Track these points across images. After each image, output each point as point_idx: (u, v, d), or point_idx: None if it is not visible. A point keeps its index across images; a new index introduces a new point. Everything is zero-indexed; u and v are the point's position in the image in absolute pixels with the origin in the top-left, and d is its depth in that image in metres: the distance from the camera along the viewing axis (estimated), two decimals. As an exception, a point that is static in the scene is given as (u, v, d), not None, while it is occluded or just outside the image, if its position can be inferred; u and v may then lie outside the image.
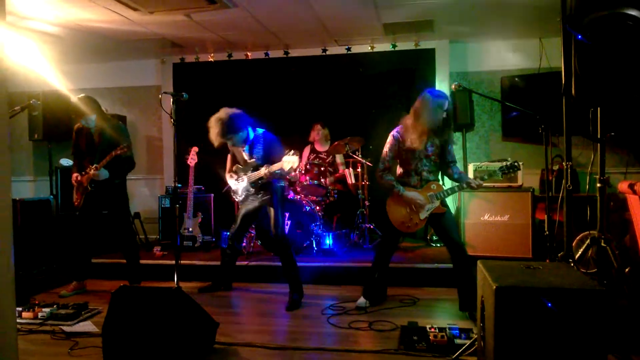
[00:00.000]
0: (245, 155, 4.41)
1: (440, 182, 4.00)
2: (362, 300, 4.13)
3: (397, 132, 3.97)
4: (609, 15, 2.74)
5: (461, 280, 3.82)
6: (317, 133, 6.33)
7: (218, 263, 4.81)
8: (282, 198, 4.46)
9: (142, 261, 5.42)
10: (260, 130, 4.39)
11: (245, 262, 5.16)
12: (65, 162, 6.27)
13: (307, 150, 6.42)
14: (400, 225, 3.94)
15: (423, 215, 3.87)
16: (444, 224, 3.90)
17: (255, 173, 4.25)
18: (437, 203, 3.87)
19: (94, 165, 4.49)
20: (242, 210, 4.50)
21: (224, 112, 4.17)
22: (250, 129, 4.32)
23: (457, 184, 3.95)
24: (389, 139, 3.99)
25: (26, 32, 5.69)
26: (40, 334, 3.63)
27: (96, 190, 4.59)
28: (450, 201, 6.39)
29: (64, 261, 5.09)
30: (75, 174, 4.67)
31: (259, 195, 4.38)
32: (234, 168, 4.51)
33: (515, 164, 3.90)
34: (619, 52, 2.74)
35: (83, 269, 4.85)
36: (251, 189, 4.36)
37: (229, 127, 4.14)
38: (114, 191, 4.70)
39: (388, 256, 4.19)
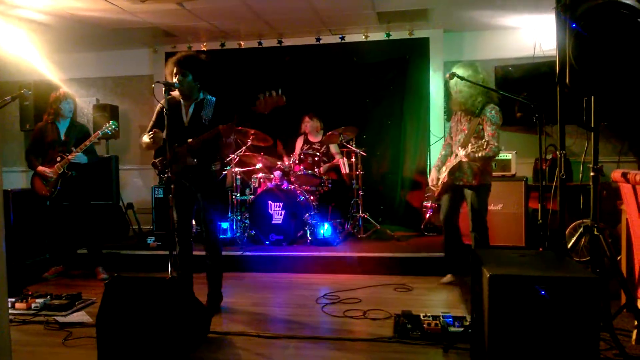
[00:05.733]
0: (187, 117, 3.74)
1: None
2: (446, 278, 4.46)
3: None
4: (604, 4, 2.74)
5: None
6: (307, 125, 6.31)
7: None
8: (218, 186, 3.91)
9: (136, 252, 5.49)
10: (212, 97, 3.79)
11: (239, 252, 5.16)
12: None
13: (300, 141, 6.41)
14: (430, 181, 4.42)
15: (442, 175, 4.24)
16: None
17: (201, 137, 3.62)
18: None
19: (72, 149, 4.73)
20: (177, 198, 3.74)
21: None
22: (203, 91, 3.77)
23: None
24: None
25: (17, 21, 5.62)
26: (33, 324, 3.62)
27: (69, 180, 4.79)
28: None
29: (51, 250, 5.20)
30: (41, 167, 4.79)
31: (190, 182, 3.71)
32: (162, 135, 3.67)
33: None
34: (614, 41, 2.73)
35: (60, 255, 5.12)
36: (183, 167, 3.66)
37: (197, 63, 3.66)
38: (77, 183, 4.89)
39: (451, 219, 4.35)
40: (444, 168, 4.24)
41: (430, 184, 4.43)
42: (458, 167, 4.08)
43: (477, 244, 4.13)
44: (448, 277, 4.45)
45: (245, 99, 3.65)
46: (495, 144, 3.80)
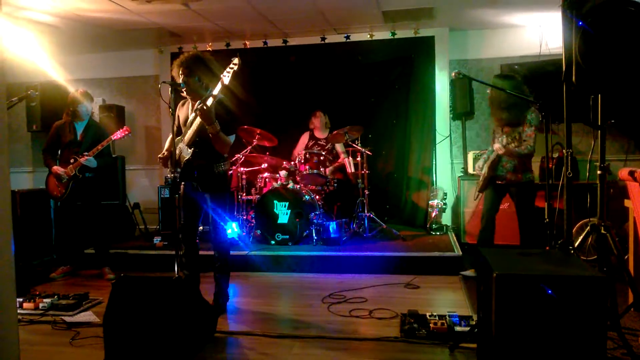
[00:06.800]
0: (192, 114, 3.70)
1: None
2: (468, 272, 4.60)
3: None
4: (611, 1, 2.72)
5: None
6: (318, 120, 6.32)
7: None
8: (226, 187, 3.88)
9: (143, 252, 5.51)
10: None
11: (246, 252, 5.17)
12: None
13: (305, 137, 6.41)
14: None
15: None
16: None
17: (194, 124, 3.58)
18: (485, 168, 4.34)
19: (85, 154, 4.75)
20: (185, 199, 3.73)
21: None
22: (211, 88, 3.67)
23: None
24: None
25: (23, 22, 5.65)
26: (41, 324, 3.64)
27: (81, 181, 4.82)
28: (450, 189, 6.41)
29: (59, 250, 5.24)
30: (55, 167, 4.83)
31: (198, 182, 3.72)
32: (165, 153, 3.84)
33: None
34: (620, 38, 2.72)
35: (68, 255, 5.13)
36: (187, 167, 3.67)
37: (201, 62, 3.65)
38: (90, 183, 4.93)
39: (493, 216, 4.44)
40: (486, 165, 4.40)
41: (475, 170, 4.67)
42: (498, 161, 4.21)
43: (523, 244, 4.27)
44: (470, 272, 4.56)
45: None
46: (531, 143, 4.04)
